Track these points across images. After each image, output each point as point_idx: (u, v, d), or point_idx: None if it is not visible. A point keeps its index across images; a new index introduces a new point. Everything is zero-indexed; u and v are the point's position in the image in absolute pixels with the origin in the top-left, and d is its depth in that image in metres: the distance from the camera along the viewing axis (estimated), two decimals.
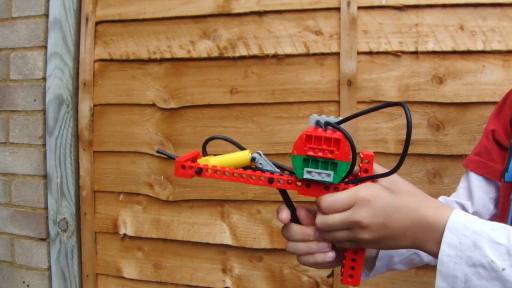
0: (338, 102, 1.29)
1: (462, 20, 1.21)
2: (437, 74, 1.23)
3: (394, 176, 0.62)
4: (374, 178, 0.62)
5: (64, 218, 1.51)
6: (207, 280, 1.43)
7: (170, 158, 0.69)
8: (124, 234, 1.49)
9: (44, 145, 1.51)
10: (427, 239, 0.58)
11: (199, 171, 0.65)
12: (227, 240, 1.40)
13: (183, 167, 0.65)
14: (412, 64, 1.25)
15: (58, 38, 1.49)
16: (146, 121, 1.45)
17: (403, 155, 0.58)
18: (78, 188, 1.52)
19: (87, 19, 1.49)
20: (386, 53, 1.26)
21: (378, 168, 0.64)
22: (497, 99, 1.19)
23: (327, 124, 0.62)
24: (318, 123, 0.63)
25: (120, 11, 1.45)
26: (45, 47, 1.50)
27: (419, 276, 1.27)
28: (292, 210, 0.66)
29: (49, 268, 1.55)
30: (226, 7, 1.36)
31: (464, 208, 0.88)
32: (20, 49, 1.52)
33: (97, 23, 1.48)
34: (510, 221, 0.77)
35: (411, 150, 1.25)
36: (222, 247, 1.41)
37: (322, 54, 1.30)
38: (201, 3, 1.38)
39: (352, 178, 0.65)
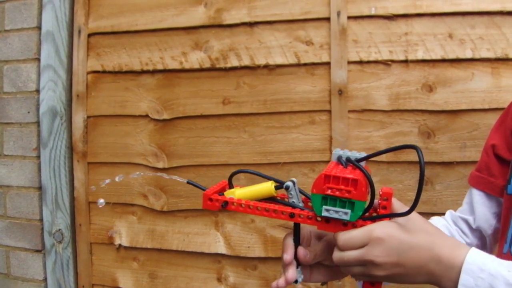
0: (329, 111, 1.30)
1: (451, 29, 1.22)
2: (427, 82, 1.25)
3: (412, 213, 0.64)
4: (390, 216, 0.64)
5: (59, 230, 1.51)
6: None
7: (200, 189, 0.72)
8: (119, 245, 1.49)
9: (38, 157, 1.52)
10: (441, 277, 0.59)
11: (225, 204, 0.68)
12: (222, 249, 1.41)
13: (211, 199, 0.69)
14: (402, 73, 1.26)
15: (51, 50, 1.49)
16: (140, 132, 1.45)
17: (418, 196, 0.59)
18: (73, 199, 1.52)
19: (79, 31, 1.49)
20: (376, 62, 1.27)
21: (396, 204, 0.66)
22: (487, 106, 1.21)
23: (348, 160, 0.65)
24: (339, 159, 0.66)
25: (112, 23, 1.46)
26: (38, 60, 1.51)
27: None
28: (296, 243, 0.71)
29: (45, 280, 1.55)
30: (217, 18, 1.37)
31: (468, 223, 0.90)
32: (13, 62, 1.53)
33: (89, 35, 1.49)
34: (511, 234, 0.78)
35: (402, 157, 1.26)
36: (217, 256, 1.42)
37: (313, 64, 1.31)
38: (193, 14, 1.39)
39: (373, 212, 0.68)
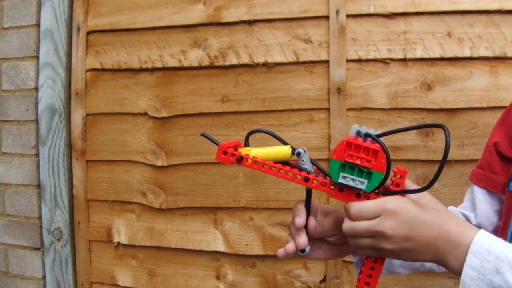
0: (328, 109, 1.30)
1: (449, 27, 1.23)
2: (426, 81, 1.25)
3: (424, 193, 0.64)
4: (404, 193, 0.64)
5: (58, 227, 1.51)
6: (201, 287, 1.44)
7: (213, 142, 0.70)
8: (118, 243, 1.50)
9: (37, 154, 1.52)
10: (448, 255, 0.60)
11: (240, 159, 0.67)
12: (220, 247, 1.41)
13: (225, 152, 0.67)
14: (401, 71, 1.26)
15: (49, 48, 1.49)
16: (138, 130, 1.45)
17: (437, 174, 0.60)
18: (71, 197, 1.52)
19: (78, 29, 1.49)
20: (375, 60, 1.28)
21: (409, 184, 0.66)
22: (485, 105, 1.21)
23: (367, 135, 0.64)
24: (358, 134, 0.65)
25: (111, 20, 1.46)
26: (37, 57, 1.50)
27: (411, 280, 1.29)
28: (307, 212, 0.69)
29: (44, 278, 1.55)
30: (216, 16, 1.37)
31: (468, 220, 0.89)
32: (12, 59, 1.53)
33: (88, 33, 1.49)
34: (511, 231, 0.78)
35: (400, 155, 1.27)
36: (216, 254, 1.42)
37: (312, 62, 1.31)
38: (192, 12, 1.39)
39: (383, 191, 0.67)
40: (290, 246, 0.68)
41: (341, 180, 0.63)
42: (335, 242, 0.74)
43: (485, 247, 0.57)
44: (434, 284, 1.27)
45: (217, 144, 0.68)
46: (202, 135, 0.74)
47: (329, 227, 0.72)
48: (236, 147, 0.71)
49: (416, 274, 1.27)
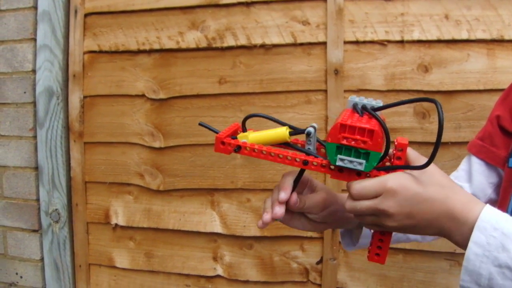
0: (325, 91, 1.31)
1: (447, 9, 1.23)
2: (423, 63, 1.25)
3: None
4: (405, 168, 0.62)
5: (56, 209, 1.52)
6: (199, 268, 1.45)
7: (212, 131, 0.70)
8: (116, 224, 1.50)
9: (34, 137, 1.52)
10: (453, 231, 0.59)
11: (238, 149, 0.66)
12: (218, 228, 1.42)
13: (223, 143, 0.67)
14: (398, 53, 1.26)
15: (47, 30, 1.49)
16: (136, 112, 1.46)
17: (435, 149, 0.58)
18: (69, 179, 1.53)
19: (76, 11, 1.49)
20: (372, 42, 1.27)
21: (412, 154, 0.64)
22: (482, 87, 1.21)
23: (364, 108, 0.63)
24: (355, 107, 0.63)
25: (109, 2, 1.46)
26: (35, 40, 1.50)
27: (407, 262, 1.30)
28: (293, 188, 0.69)
29: (42, 259, 1.56)
30: None
31: None
32: (9, 42, 1.53)
33: (86, 15, 1.48)
34: (511, 206, 0.78)
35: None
36: (213, 236, 1.43)
37: (309, 43, 1.31)
38: None
39: (387, 161, 0.66)
40: (268, 217, 0.68)
41: (339, 163, 0.61)
42: (313, 219, 0.74)
43: (491, 223, 0.56)
44: (430, 266, 1.28)
45: (216, 133, 0.68)
46: (200, 124, 0.74)
47: (311, 205, 0.72)
48: (235, 132, 0.70)
49: (412, 255, 1.29)
